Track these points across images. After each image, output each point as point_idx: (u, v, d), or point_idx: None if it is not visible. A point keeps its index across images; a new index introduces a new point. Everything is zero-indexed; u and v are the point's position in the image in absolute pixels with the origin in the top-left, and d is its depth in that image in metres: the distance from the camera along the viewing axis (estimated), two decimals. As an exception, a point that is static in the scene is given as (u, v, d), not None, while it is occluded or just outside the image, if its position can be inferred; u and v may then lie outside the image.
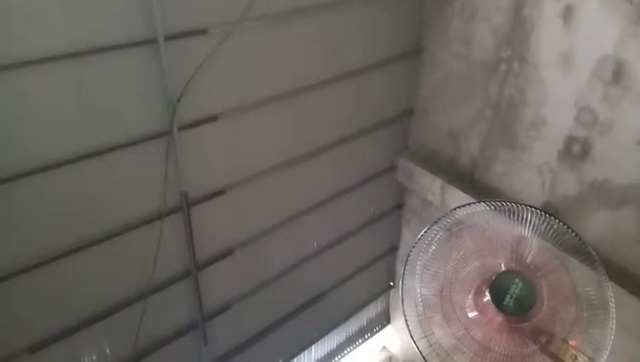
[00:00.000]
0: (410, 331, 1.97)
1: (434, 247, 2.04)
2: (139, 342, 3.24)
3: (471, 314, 1.96)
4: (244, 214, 3.51)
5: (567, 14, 3.04)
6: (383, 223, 4.74)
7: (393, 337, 5.77)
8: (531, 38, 3.28)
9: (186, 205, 3.04)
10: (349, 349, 5.37)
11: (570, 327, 1.85)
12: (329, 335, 4.93)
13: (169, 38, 2.59)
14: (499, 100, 3.61)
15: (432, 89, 4.11)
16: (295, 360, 4.70)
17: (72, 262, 2.74)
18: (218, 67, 2.86)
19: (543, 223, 1.92)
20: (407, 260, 2.05)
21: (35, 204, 2.53)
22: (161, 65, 2.61)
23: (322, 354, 5.07)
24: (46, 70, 2.30)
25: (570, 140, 3.25)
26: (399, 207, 4.82)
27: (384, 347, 5.96)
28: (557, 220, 1.91)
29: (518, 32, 3.35)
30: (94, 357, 3.14)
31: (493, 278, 1.92)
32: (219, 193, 3.24)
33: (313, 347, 4.84)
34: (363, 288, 5.03)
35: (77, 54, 2.35)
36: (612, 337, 1.81)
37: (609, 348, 1.80)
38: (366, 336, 5.53)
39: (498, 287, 1.90)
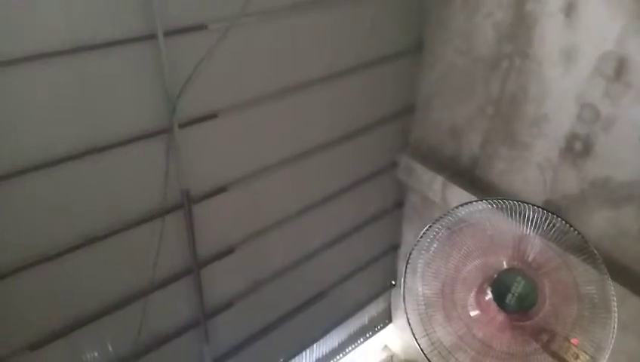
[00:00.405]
0: (411, 329, 1.97)
1: (435, 246, 2.04)
2: (140, 339, 3.25)
3: (472, 313, 1.95)
4: (245, 212, 3.51)
5: (570, 10, 3.03)
6: (384, 221, 4.73)
7: (394, 336, 5.77)
8: (533, 34, 3.26)
9: (187, 203, 3.04)
10: (350, 348, 5.37)
11: (572, 326, 1.85)
12: (330, 333, 4.93)
13: (168, 33, 2.57)
14: (500, 97, 3.60)
15: (433, 85, 4.09)
16: (296, 358, 4.70)
17: (73, 260, 2.74)
18: (218, 63, 2.85)
19: (545, 221, 1.91)
20: (408, 258, 2.04)
21: (36, 201, 2.53)
22: (160, 61, 2.60)
23: (324, 353, 5.07)
24: (45, 66, 2.29)
25: (571, 137, 3.23)
26: (400, 204, 4.81)
27: (385, 346, 5.96)
28: (559, 218, 1.90)
29: (520, 28, 3.33)
30: (96, 354, 3.15)
31: (495, 276, 1.92)
32: (220, 190, 3.24)
33: (315, 345, 4.84)
34: (364, 286, 5.03)
35: (76, 50, 2.34)
36: (614, 336, 1.80)
37: (611, 346, 1.79)
38: (367, 335, 5.53)
39: (500, 285, 1.89)
